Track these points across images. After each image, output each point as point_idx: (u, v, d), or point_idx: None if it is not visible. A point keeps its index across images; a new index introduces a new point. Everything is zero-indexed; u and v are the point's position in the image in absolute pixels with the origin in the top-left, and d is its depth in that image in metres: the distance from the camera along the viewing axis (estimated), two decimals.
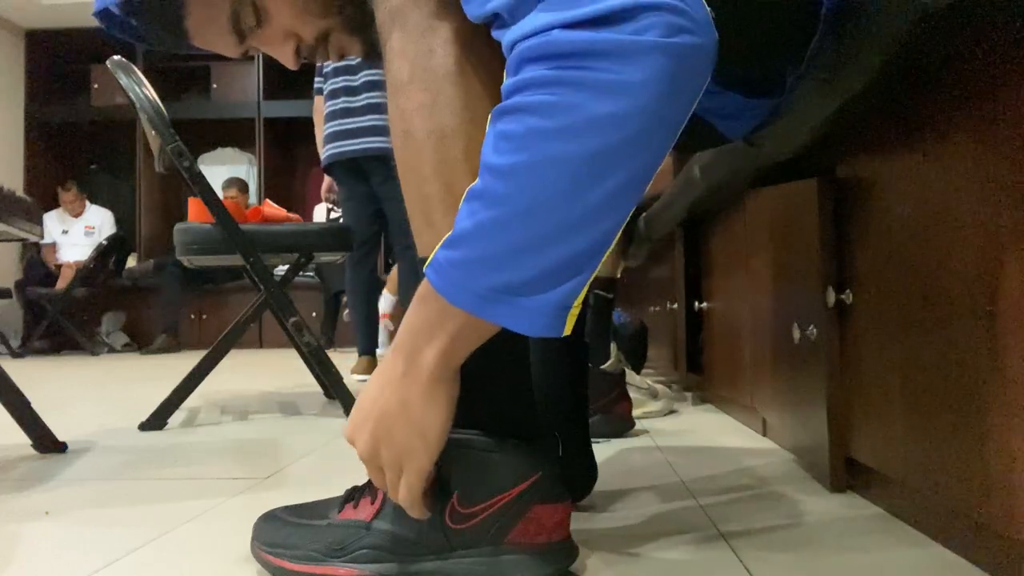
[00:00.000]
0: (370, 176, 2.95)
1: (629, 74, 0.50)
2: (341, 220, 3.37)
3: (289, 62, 0.80)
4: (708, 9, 0.53)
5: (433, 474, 0.65)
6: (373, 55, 0.73)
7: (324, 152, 2.97)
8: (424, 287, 0.60)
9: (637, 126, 0.51)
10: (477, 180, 0.56)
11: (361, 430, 0.63)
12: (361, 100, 2.87)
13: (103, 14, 0.78)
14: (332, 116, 2.93)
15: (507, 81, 0.54)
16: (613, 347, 1.77)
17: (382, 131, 2.86)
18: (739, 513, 0.88)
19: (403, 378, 0.61)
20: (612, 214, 0.54)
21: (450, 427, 0.62)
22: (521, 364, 0.71)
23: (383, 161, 2.89)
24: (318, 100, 3.03)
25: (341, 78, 2.90)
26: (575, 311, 0.57)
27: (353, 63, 2.86)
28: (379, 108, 2.87)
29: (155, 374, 3.36)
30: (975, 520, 0.67)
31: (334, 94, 2.92)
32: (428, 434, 0.61)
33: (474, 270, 0.55)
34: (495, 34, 0.57)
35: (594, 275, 0.56)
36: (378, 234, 3.12)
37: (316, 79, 3.07)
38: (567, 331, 0.57)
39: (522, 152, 0.53)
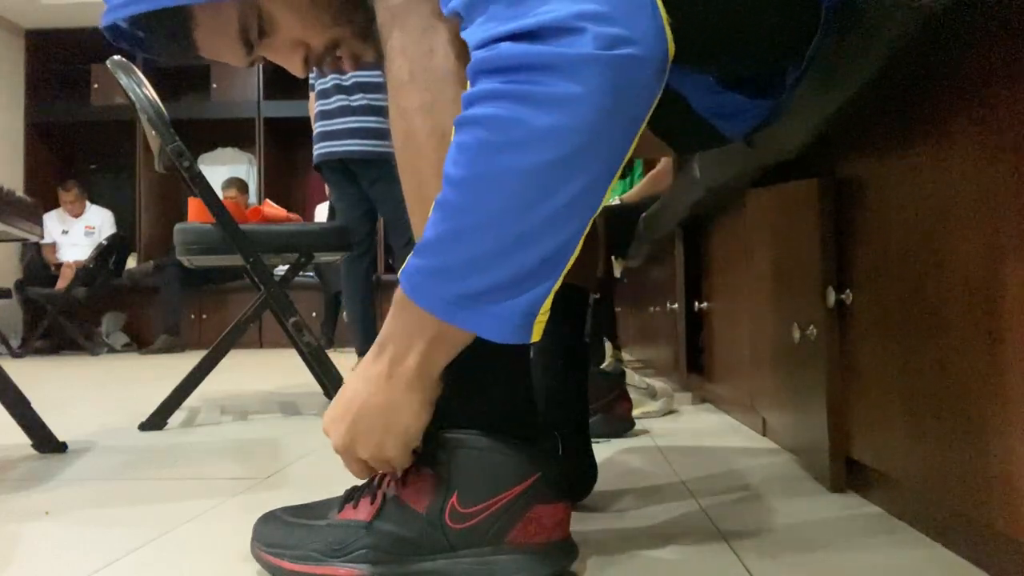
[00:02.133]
0: (359, 178, 2.94)
1: (568, 88, 0.51)
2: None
3: (297, 70, 0.80)
4: (661, 20, 0.53)
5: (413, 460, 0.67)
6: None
7: (313, 152, 2.97)
8: (401, 292, 0.61)
9: (580, 139, 0.52)
10: (442, 190, 0.57)
11: (339, 423, 0.66)
12: (358, 100, 2.87)
13: (111, 28, 0.78)
14: (323, 116, 2.92)
15: (465, 91, 0.55)
16: (608, 345, 1.77)
17: (368, 133, 2.85)
18: (739, 513, 0.88)
19: (387, 381, 0.63)
20: (568, 224, 0.55)
21: (425, 427, 0.65)
22: (521, 364, 0.71)
23: (370, 164, 2.87)
24: (312, 96, 3.02)
25: (331, 77, 2.88)
26: (542, 318, 0.58)
27: None
28: (368, 110, 2.86)
29: (155, 374, 3.36)
30: (975, 520, 0.67)
31: (325, 94, 2.91)
32: (406, 435, 0.64)
33: (440, 278, 0.57)
34: (462, 34, 0.57)
35: (559, 283, 0.58)
36: (372, 233, 3.11)
37: (311, 75, 3.06)
38: (535, 338, 0.59)
39: (475, 165, 0.54)
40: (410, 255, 0.59)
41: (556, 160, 0.53)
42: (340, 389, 0.67)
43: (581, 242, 0.57)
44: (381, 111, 2.83)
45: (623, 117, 0.53)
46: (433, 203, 0.64)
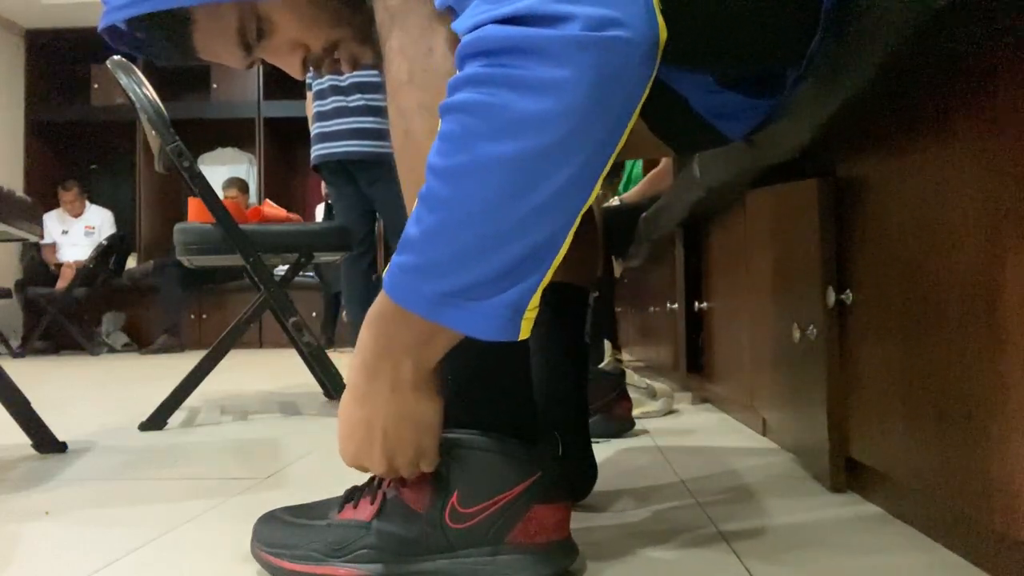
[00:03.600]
0: (358, 179, 2.94)
1: (555, 71, 0.49)
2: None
3: (296, 72, 0.80)
4: (651, 2, 0.51)
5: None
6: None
7: (312, 153, 2.97)
8: (383, 300, 0.59)
9: (568, 125, 0.50)
10: (425, 182, 0.55)
11: (368, 452, 0.63)
12: (355, 101, 2.87)
13: (109, 31, 0.78)
14: (319, 117, 2.91)
15: (452, 77, 0.54)
16: (607, 345, 1.77)
17: (367, 134, 2.85)
18: (739, 513, 0.88)
19: (392, 396, 0.61)
20: (556, 216, 0.53)
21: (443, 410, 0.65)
22: (521, 364, 0.71)
23: (369, 165, 2.87)
24: (310, 96, 3.02)
25: (327, 78, 2.88)
26: (531, 315, 0.56)
27: None
28: (365, 111, 2.86)
29: (155, 374, 3.36)
30: (975, 520, 0.67)
31: (321, 94, 2.91)
32: (432, 428, 0.64)
33: (423, 275, 0.55)
34: (453, 26, 0.56)
35: (548, 278, 0.55)
36: (371, 234, 3.11)
37: (308, 75, 3.06)
38: (523, 335, 0.56)
39: (460, 154, 0.52)
40: (394, 254, 0.57)
41: (543, 147, 0.51)
42: (342, 421, 0.64)
43: (570, 237, 0.55)
44: (379, 111, 2.83)
45: (612, 102, 0.51)
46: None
